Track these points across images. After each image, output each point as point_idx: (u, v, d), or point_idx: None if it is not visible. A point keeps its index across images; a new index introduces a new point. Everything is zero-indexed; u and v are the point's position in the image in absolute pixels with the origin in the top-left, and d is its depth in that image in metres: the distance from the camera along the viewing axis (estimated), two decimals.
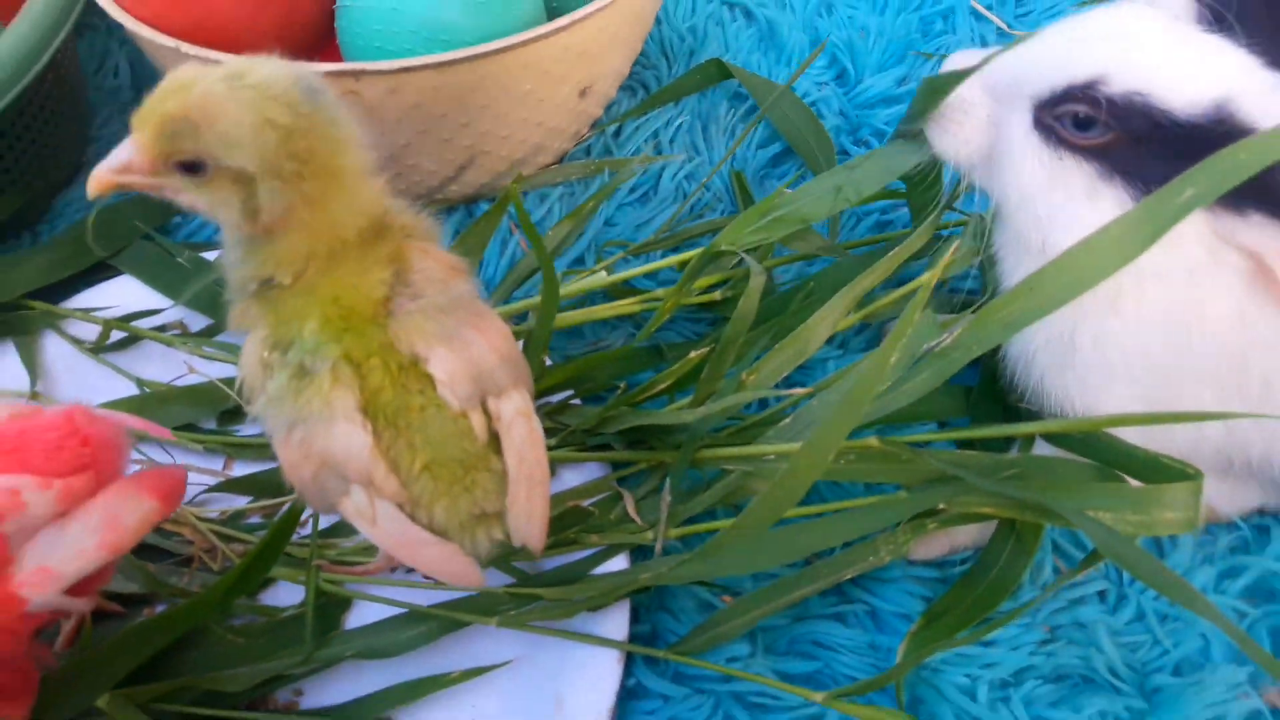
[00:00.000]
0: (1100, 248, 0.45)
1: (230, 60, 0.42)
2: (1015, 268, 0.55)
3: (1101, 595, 0.60)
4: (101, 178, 0.42)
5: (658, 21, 0.90)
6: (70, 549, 0.43)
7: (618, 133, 0.81)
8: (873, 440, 0.52)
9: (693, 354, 0.58)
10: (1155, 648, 0.58)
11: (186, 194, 0.42)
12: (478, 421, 0.44)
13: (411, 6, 0.65)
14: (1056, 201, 0.49)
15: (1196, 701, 0.55)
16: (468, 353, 0.44)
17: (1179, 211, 0.44)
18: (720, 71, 0.81)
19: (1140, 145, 0.48)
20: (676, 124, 0.82)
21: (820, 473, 0.48)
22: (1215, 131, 0.46)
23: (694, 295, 0.65)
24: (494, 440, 0.45)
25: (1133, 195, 0.48)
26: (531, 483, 0.45)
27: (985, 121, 0.52)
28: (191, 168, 0.41)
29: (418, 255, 0.46)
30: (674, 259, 0.67)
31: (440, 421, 0.44)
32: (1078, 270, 0.46)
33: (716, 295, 0.65)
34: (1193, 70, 0.47)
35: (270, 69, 0.41)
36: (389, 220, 0.46)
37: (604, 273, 0.66)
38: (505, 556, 0.46)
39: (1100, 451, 0.54)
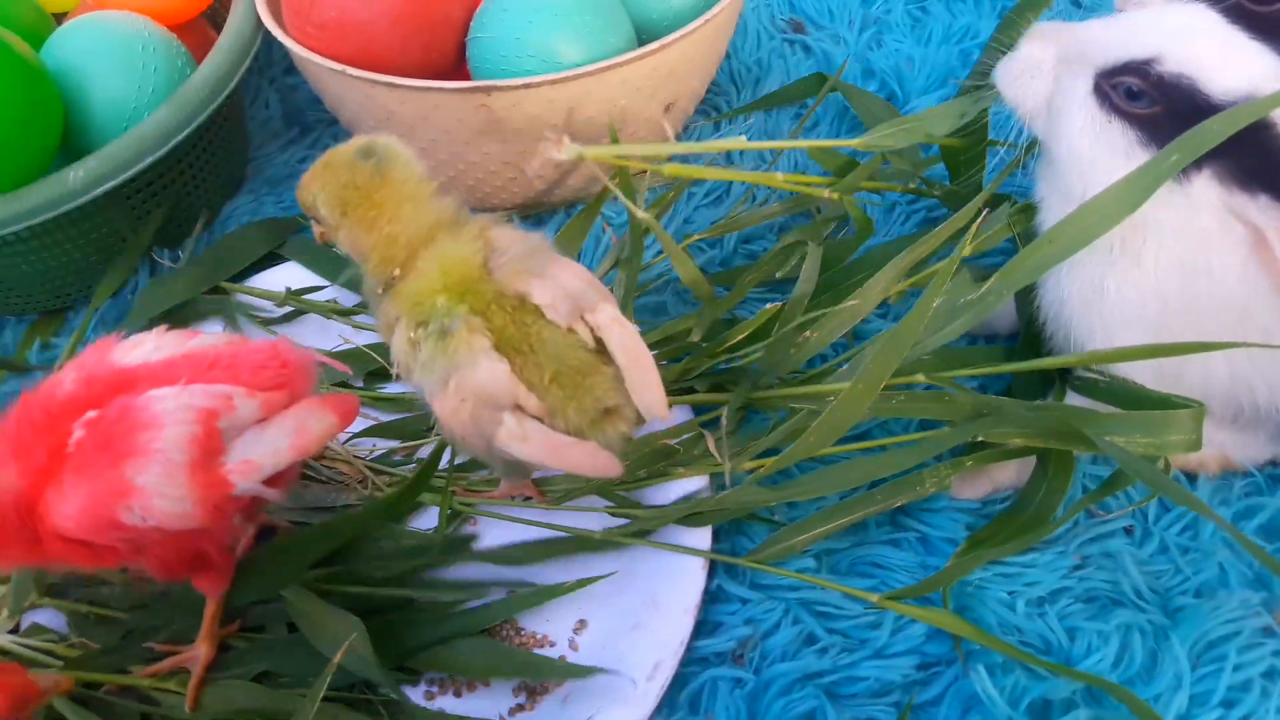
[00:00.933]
0: (1106, 203, 0.53)
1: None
2: (1054, 216, 0.61)
3: (1128, 531, 0.66)
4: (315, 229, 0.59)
5: (727, 55, 0.99)
6: (268, 447, 0.52)
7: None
8: (919, 376, 0.59)
9: (767, 306, 0.66)
10: (1177, 575, 0.63)
11: (325, 234, 0.57)
12: (584, 332, 0.53)
13: (530, 36, 0.76)
14: (1100, 156, 0.56)
15: (1214, 618, 0.60)
16: (558, 281, 0.53)
17: (1168, 171, 0.52)
18: (819, 83, 0.89)
19: (1178, 120, 0.54)
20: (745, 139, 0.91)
21: (869, 402, 0.55)
22: None
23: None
24: (600, 349, 0.54)
25: None
26: (640, 366, 0.53)
27: (1051, 78, 0.59)
28: (316, 220, 0.57)
29: (496, 231, 0.56)
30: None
31: (555, 339, 0.52)
32: (1090, 221, 0.54)
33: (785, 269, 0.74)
34: (1233, 65, 0.54)
35: (343, 148, 0.55)
36: (464, 218, 0.56)
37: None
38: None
39: (1120, 396, 0.61)
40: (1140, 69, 0.54)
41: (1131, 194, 0.52)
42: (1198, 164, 0.53)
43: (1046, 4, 0.69)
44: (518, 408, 0.52)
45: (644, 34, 0.81)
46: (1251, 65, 0.53)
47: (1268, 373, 0.58)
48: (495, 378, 0.52)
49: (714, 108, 0.96)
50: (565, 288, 0.53)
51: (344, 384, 0.72)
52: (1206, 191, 0.54)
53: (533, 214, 0.87)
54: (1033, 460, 0.65)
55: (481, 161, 0.79)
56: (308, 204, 0.56)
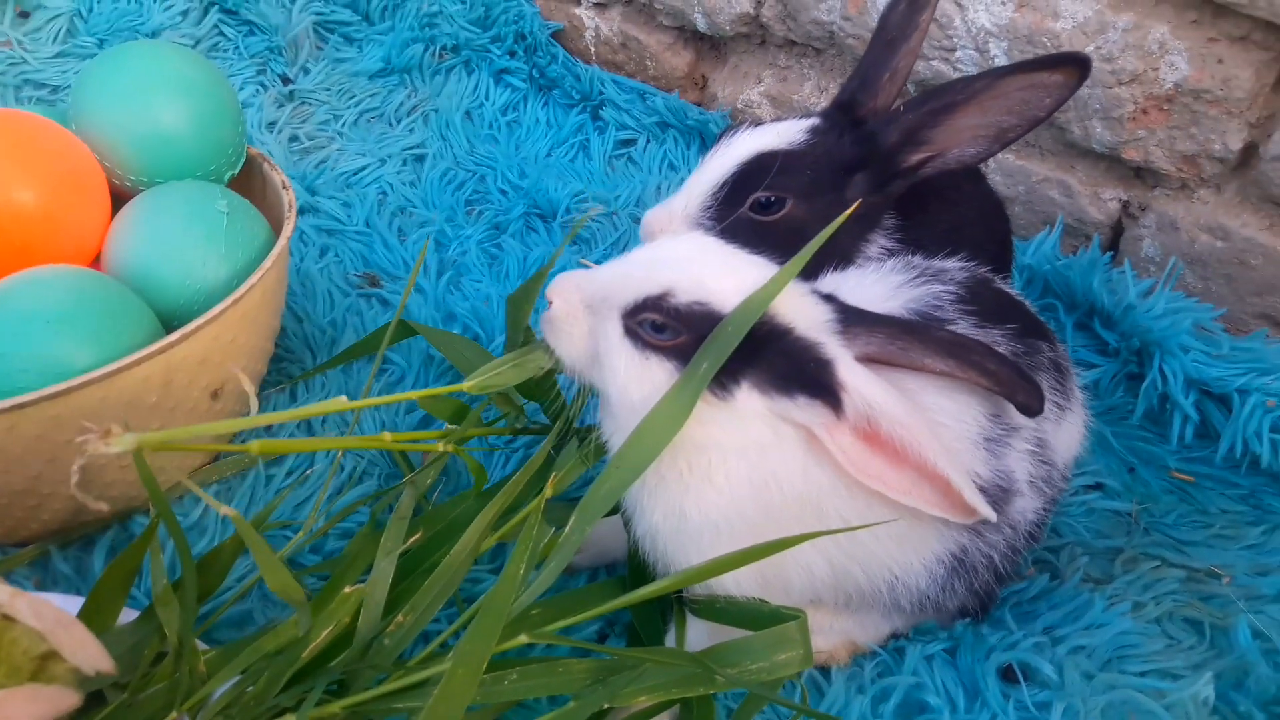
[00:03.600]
0: (657, 422, 0.50)
1: None
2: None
3: None
4: None
5: (299, 319, 0.91)
6: None
7: (269, 426, 0.79)
8: (522, 637, 0.51)
9: (346, 590, 0.55)
10: None
11: None
12: None
13: (23, 348, 0.62)
14: (646, 393, 0.53)
15: None
16: None
17: (702, 380, 0.50)
18: (401, 331, 0.81)
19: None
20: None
21: (474, 688, 0.46)
22: (761, 328, 0.52)
23: None
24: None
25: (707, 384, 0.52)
26: (60, 625, 0.48)
27: (585, 327, 0.56)
28: None
29: None
30: None
31: None
32: (646, 443, 0.50)
33: None
34: (739, 283, 0.53)
35: None
36: None
37: None
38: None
39: (733, 614, 0.56)
40: (657, 304, 0.53)
41: (676, 409, 0.50)
42: (735, 379, 0.52)
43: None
44: None
45: (176, 321, 0.71)
46: (753, 277, 0.54)
47: (860, 557, 0.57)
48: None
49: (287, 375, 0.86)
50: None
51: None
52: (750, 403, 0.53)
53: (75, 538, 0.70)
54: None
55: None
56: None
